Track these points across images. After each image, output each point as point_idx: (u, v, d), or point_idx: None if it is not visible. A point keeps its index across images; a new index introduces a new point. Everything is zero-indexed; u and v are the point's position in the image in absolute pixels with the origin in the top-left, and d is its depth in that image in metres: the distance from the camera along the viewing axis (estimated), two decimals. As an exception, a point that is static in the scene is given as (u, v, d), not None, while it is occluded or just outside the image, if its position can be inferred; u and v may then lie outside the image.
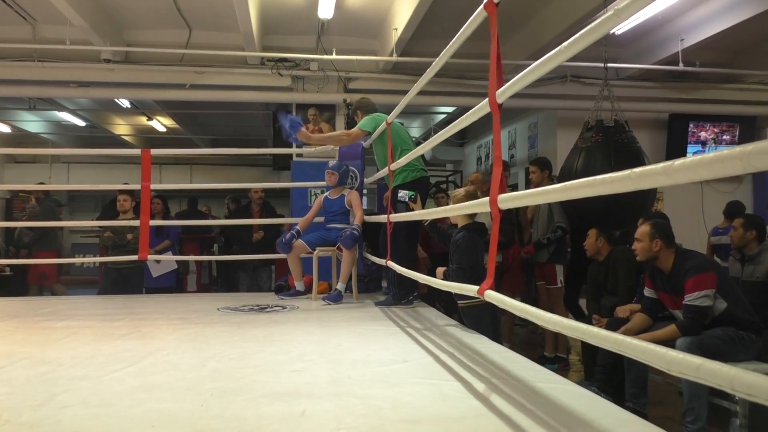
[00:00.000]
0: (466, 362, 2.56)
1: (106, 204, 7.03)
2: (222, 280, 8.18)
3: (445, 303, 5.49)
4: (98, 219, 7.03)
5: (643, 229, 3.57)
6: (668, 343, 3.27)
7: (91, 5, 5.95)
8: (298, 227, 4.96)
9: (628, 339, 1.23)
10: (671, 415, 3.73)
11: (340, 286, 4.67)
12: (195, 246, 7.64)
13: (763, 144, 0.88)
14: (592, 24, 1.52)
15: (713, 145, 7.75)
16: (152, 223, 5.38)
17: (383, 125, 4.43)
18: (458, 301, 3.86)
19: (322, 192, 5.31)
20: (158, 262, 5.93)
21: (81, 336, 3.24)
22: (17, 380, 2.27)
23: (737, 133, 7.81)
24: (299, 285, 4.93)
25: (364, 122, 4.65)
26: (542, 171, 5.24)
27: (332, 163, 5.04)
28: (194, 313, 4.18)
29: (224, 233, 7.86)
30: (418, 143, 4.47)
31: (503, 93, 2.11)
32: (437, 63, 3.02)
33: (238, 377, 2.30)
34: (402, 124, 5.13)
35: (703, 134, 7.74)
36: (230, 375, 2.35)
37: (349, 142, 4.88)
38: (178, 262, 6.35)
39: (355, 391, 2.08)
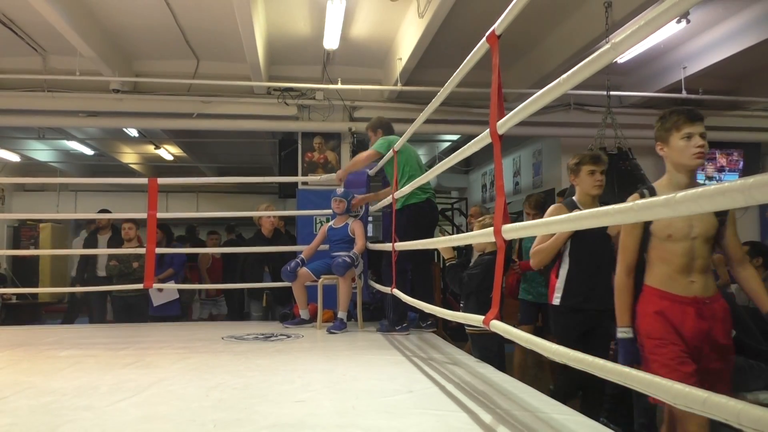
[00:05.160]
0: (472, 392, 2.54)
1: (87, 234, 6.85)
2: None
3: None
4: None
5: None
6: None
7: (101, 37, 6.06)
8: (302, 255, 4.97)
9: (634, 371, 1.22)
10: (681, 446, 3.66)
11: (341, 314, 4.67)
12: (199, 274, 7.62)
13: (764, 177, 0.88)
14: (591, 56, 1.54)
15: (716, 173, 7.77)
16: (158, 250, 5.39)
17: (389, 154, 4.46)
18: (467, 328, 3.86)
19: (328, 220, 5.32)
20: (160, 290, 5.92)
21: (85, 365, 3.23)
22: (21, 410, 2.26)
23: (742, 160, 7.83)
24: (304, 313, 4.92)
25: (378, 144, 4.72)
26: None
27: (340, 191, 5.06)
28: (199, 341, 4.17)
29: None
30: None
31: (504, 124, 2.13)
32: (442, 94, 3.05)
33: (242, 407, 2.29)
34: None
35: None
36: (234, 405, 2.33)
37: (366, 162, 4.95)
38: (183, 290, 6.33)
39: (359, 422, 2.06)
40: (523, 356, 4.82)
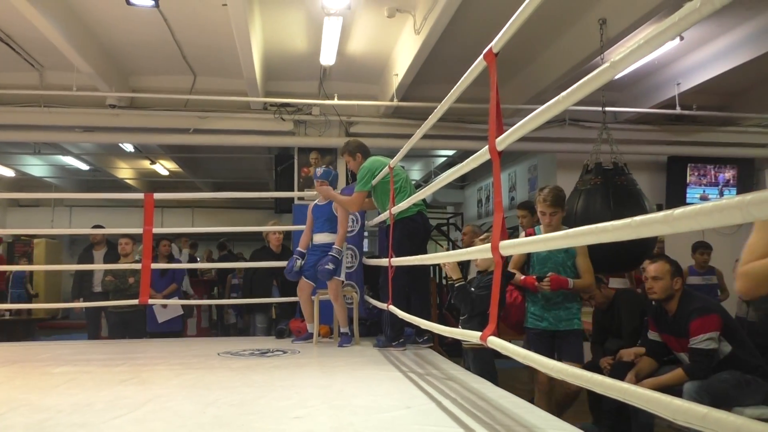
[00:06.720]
0: (469, 408, 2.53)
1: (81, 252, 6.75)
2: (221, 324, 8.13)
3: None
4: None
5: (661, 267, 3.48)
6: (676, 387, 3.24)
7: (98, 52, 6.08)
8: (299, 248, 4.88)
9: (633, 387, 1.23)
10: (679, 462, 3.65)
11: (343, 329, 4.67)
12: (198, 289, 7.61)
13: (761, 194, 0.89)
14: (591, 74, 1.55)
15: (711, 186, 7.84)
16: (154, 266, 5.36)
17: (385, 170, 4.45)
18: (464, 343, 3.84)
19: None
20: (165, 306, 5.89)
21: (80, 382, 3.21)
22: (16, 428, 2.23)
23: (736, 175, 7.89)
24: (311, 327, 4.84)
25: (361, 183, 4.58)
26: (532, 216, 5.28)
27: (320, 171, 4.75)
28: (195, 357, 4.15)
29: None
30: (418, 186, 4.47)
31: (503, 141, 2.15)
32: (438, 110, 3.06)
33: (239, 424, 2.27)
34: (403, 167, 5.12)
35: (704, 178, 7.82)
36: (230, 422, 2.32)
37: (358, 207, 4.80)
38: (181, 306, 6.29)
39: (357, 439, 2.05)
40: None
